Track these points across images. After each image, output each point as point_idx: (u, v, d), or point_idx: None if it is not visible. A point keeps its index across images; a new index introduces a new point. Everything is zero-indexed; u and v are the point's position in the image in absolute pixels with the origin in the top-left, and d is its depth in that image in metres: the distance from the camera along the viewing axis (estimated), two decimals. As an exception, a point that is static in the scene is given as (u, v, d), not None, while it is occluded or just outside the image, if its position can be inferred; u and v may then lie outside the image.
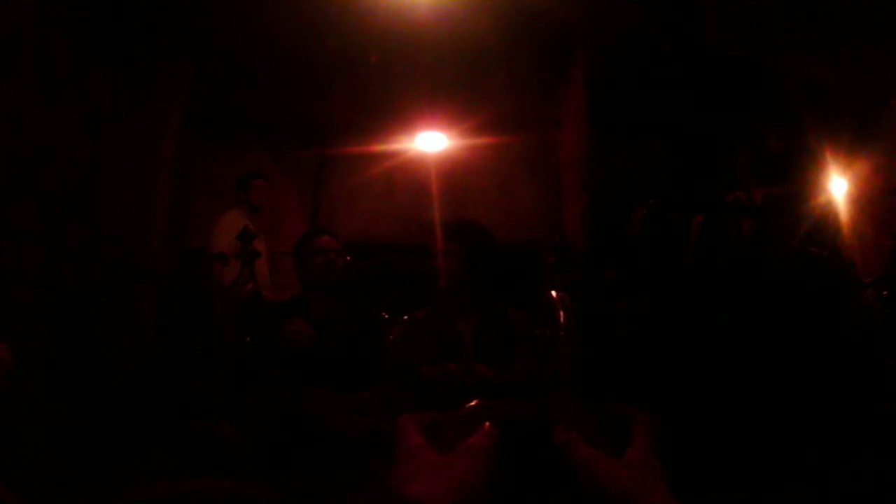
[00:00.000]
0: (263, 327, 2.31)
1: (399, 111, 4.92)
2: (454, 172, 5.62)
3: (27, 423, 2.59)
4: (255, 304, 2.52)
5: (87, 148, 4.38)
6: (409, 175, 5.70)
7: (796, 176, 3.06)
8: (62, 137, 4.01)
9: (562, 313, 1.88)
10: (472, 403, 0.67)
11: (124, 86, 4.75)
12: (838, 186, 3.74)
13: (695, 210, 2.94)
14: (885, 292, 2.36)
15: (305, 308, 2.50)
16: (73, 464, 2.42)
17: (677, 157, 3.27)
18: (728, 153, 3.14)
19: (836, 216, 3.28)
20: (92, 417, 3.02)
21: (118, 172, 4.63)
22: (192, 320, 4.18)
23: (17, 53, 3.50)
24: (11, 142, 3.46)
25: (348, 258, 2.67)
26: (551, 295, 1.99)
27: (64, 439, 2.71)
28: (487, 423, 0.60)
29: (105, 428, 2.87)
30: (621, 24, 3.85)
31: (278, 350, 2.19)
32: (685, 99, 3.24)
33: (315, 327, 2.34)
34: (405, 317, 2.30)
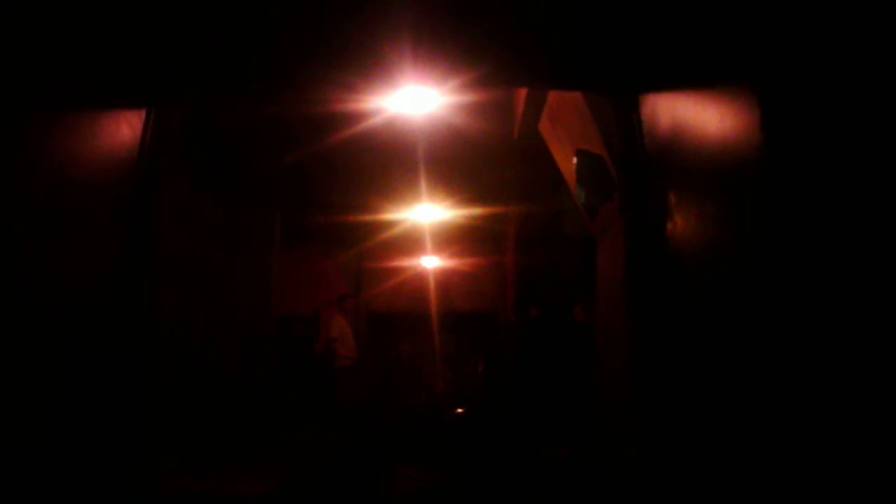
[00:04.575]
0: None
1: (412, 245, 8.60)
2: (444, 275, 9.28)
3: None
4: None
5: (222, 260, 7.85)
6: (417, 276, 9.34)
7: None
8: (211, 258, 7.40)
9: (480, 366, 5.54)
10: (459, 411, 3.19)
11: (242, 221, 8.26)
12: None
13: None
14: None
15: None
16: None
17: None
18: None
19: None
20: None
21: (245, 274, 8.15)
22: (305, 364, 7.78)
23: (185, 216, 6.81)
24: (188, 268, 6.73)
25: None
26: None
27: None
28: None
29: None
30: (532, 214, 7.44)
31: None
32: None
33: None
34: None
